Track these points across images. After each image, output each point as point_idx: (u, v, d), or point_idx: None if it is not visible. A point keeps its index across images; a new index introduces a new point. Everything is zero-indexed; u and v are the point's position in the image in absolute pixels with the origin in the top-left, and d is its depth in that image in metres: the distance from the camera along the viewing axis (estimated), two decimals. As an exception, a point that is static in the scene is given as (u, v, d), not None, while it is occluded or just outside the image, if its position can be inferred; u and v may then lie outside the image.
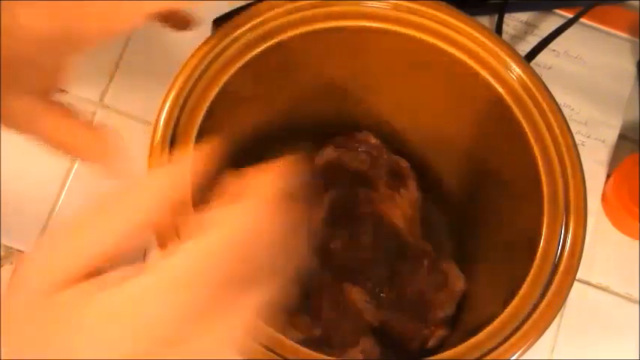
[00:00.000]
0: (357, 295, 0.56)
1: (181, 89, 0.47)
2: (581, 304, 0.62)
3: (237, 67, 0.48)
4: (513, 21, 0.68)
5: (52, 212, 0.61)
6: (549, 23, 0.67)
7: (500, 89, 0.50)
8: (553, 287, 0.46)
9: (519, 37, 0.67)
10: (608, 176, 0.64)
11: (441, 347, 0.55)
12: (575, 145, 0.49)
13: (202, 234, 0.28)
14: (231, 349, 0.28)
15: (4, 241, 0.60)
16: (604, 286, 0.63)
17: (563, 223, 0.47)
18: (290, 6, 0.49)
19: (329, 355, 0.43)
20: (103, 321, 0.26)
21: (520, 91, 0.49)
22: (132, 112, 0.64)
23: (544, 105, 0.49)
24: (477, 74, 0.50)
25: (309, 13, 0.49)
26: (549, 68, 0.66)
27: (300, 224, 0.29)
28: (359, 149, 0.60)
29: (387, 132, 0.60)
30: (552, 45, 0.65)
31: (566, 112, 0.51)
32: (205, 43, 0.48)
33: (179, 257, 0.27)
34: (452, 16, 0.50)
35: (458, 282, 0.57)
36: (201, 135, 0.47)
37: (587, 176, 0.48)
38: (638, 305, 0.62)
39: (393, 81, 0.56)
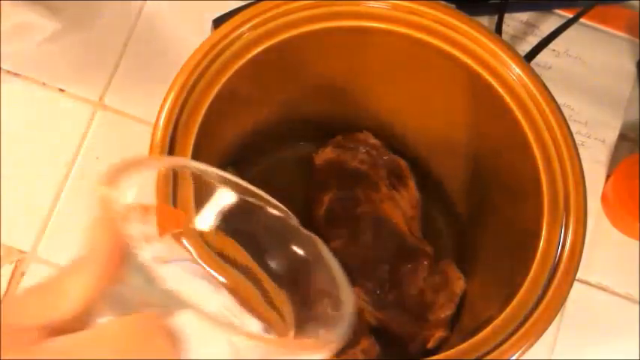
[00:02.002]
0: (357, 295, 0.56)
1: (181, 89, 0.47)
2: (581, 304, 0.62)
3: (237, 67, 0.48)
4: (513, 21, 0.68)
5: (52, 212, 0.61)
6: (549, 23, 0.67)
7: (500, 89, 0.50)
8: (553, 287, 0.46)
9: (519, 37, 0.67)
10: (608, 176, 0.64)
11: (441, 347, 0.55)
12: (575, 145, 0.49)
13: None
14: None
15: (4, 241, 0.60)
16: (604, 286, 0.63)
17: (563, 223, 0.47)
18: (290, 6, 0.49)
19: (329, 355, 0.43)
20: None
21: (520, 91, 0.49)
22: (132, 112, 0.64)
23: (544, 105, 0.49)
24: (477, 74, 0.50)
25: (309, 13, 0.49)
26: (549, 68, 0.66)
27: None
28: (359, 149, 0.60)
29: (387, 132, 0.60)
30: (552, 45, 0.65)
31: (566, 112, 0.51)
32: (205, 43, 0.48)
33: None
34: (452, 16, 0.50)
35: (458, 282, 0.57)
36: (201, 135, 0.47)
37: (587, 176, 0.48)
38: (638, 305, 0.62)
39: (393, 81, 0.56)
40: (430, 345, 0.55)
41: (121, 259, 0.29)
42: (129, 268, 0.29)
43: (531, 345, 0.45)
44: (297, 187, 0.61)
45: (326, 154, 0.60)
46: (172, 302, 0.28)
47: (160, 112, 0.46)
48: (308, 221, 0.59)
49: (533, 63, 0.64)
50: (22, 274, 0.60)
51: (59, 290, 0.29)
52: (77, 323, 0.29)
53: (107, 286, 0.29)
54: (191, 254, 0.37)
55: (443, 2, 0.50)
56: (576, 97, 0.66)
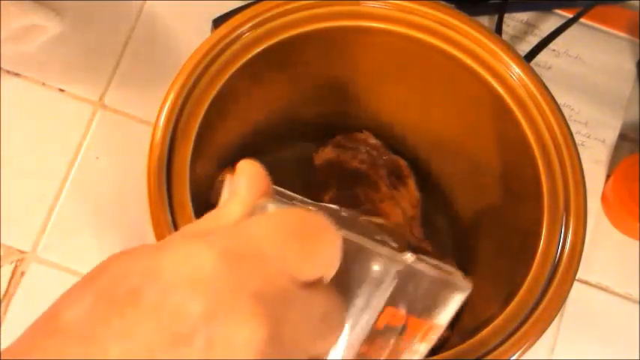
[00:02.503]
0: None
1: (181, 89, 0.47)
2: (581, 304, 0.62)
3: (237, 67, 0.48)
4: (513, 21, 0.68)
5: (52, 212, 0.61)
6: (549, 23, 0.67)
7: (500, 89, 0.50)
8: (553, 287, 0.46)
9: (519, 37, 0.67)
10: (608, 176, 0.64)
11: (441, 347, 0.55)
12: (575, 145, 0.49)
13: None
14: None
15: (4, 241, 0.60)
16: (604, 286, 0.63)
17: (563, 223, 0.47)
18: (290, 6, 0.49)
19: (329, 355, 0.43)
20: None
21: (520, 91, 0.49)
22: (132, 112, 0.64)
23: (544, 105, 0.49)
24: (477, 74, 0.50)
25: (309, 13, 0.49)
26: (549, 68, 0.66)
27: None
28: (359, 149, 0.60)
29: (387, 132, 0.60)
30: (552, 45, 0.65)
31: (566, 112, 0.51)
32: (205, 43, 0.48)
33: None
34: (452, 16, 0.50)
35: (458, 282, 0.57)
36: (200, 135, 0.47)
37: (587, 176, 0.48)
38: (638, 305, 0.62)
39: (393, 81, 0.56)
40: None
41: (267, 180, 0.35)
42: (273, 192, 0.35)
43: (531, 345, 0.45)
44: (297, 187, 0.60)
45: (326, 154, 0.60)
46: None
47: (159, 112, 0.46)
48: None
49: (533, 63, 0.64)
50: (22, 274, 0.60)
51: (222, 213, 0.33)
52: None
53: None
54: None
55: (443, 2, 0.50)
56: (576, 97, 0.66)
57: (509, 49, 0.50)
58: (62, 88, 0.64)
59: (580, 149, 0.49)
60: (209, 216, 0.33)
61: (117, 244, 0.61)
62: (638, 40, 0.68)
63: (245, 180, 0.34)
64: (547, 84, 0.50)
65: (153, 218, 0.44)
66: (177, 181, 0.45)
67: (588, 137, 0.65)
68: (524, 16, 0.68)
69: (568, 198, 0.47)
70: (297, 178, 0.61)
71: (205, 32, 0.64)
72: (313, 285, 0.30)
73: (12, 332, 0.60)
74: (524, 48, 0.66)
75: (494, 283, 0.53)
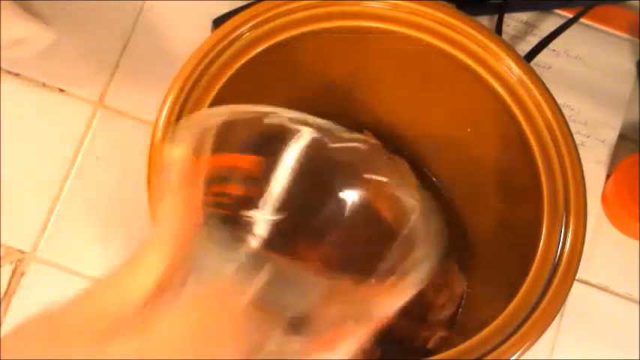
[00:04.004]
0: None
1: (181, 89, 0.47)
2: (581, 304, 0.62)
3: (237, 67, 0.48)
4: (513, 21, 0.68)
5: (51, 212, 0.61)
6: (549, 23, 0.67)
7: (500, 89, 0.50)
8: (553, 287, 0.46)
9: (519, 37, 0.67)
10: (608, 176, 0.64)
11: (441, 347, 0.55)
12: (575, 145, 0.49)
13: None
14: None
15: (4, 241, 0.60)
16: (604, 286, 0.63)
17: (563, 223, 0.47)
18: (290, 6, 0.49)
19: (329, 355, 0.43)
20: None
21: (520, 91, 0.49)
22: (132, 112, 0.64)
23: (544, 105, 0.49)
24: (477, 74, 0.50)
25: (309, 13, 0.49)
26: (549, 68, 0.66)
27: None
28: (359, 149, 0.60)
29: (387, 132, 0.60)
30: (552, 45, 0.65)
31: (566, 112, 0.51)
32: (205, 43, 0.48)
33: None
34: (452, 16, 0.50)
35: (458, 283, 0.57)
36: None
37: (587, 176, 0.48)
38: (638, 305, 0.62)
39: (393, 81, 0.56)
40: (430, 345, 0.55)
41: (194, 227, 0.29)
42: (204, 236, 0.29)
43: (531, 345, 0.45)
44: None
45: (326, 154, 0.60)
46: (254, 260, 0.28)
47: (159, 112, 0.46)
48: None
49: (533, 63, 0.64)
50: (22, 274, 0.60)
51: (133, 274, 0.29)
52: (163, 293, 0.29)
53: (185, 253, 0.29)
54: None
55: (443, 2, 0.50)
56: (576, 97, 0.66)
57: (509, 49, 0.50)
58: (62, 88, 0.64)
59: (580, 149, 0.49)
60: (122, 271, 0.29)
61: (117, 244, 0.61)
62: (638, 40, 0.68)
63: (168, 220, 0.29)
64: (547, 84, 0.50)
65: (153, 218, 0.44)
66: (177, 181, 0.45)
67: (588, 137, 0.65)
68: (524, 16, 0.68)
69: (568, 198, 0.47)
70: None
71: (205, 32, 0.64)
72: None
73: (12, 332, 0.60)
74: (524, 48, 0.66)
75: (494, 284, 0.53)
